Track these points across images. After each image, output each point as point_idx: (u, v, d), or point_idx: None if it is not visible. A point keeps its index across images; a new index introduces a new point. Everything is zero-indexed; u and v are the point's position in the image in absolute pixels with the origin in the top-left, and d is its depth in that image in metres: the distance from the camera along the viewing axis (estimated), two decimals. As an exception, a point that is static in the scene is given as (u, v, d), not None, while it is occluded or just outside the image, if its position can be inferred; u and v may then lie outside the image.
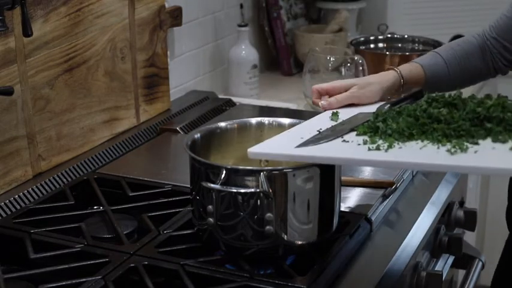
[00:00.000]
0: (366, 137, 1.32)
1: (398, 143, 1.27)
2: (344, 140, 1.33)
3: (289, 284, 1.27)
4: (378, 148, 1.26)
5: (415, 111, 1.36)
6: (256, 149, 1.31)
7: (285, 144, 1.34)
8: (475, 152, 1.21)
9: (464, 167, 1.21)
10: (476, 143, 1.23)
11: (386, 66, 1.65)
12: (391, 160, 1.23)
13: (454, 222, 1.85)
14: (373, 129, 1.34)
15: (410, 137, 1.29)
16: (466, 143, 1.23)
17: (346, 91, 1.55)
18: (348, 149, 1.29)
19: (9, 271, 1.34)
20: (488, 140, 1.25)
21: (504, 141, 1.24)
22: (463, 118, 1.30)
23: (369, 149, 1.26)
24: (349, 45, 2.62)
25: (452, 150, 1.21)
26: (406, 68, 1.61)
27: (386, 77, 1.58)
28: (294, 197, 1.29)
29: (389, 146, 1.25)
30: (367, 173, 1.70)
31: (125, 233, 1.46)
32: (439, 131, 1.28)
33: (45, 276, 1.31)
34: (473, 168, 1.21)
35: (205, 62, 2.44)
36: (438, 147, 1.23)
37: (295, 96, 2.47)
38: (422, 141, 1.27)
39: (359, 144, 1.30)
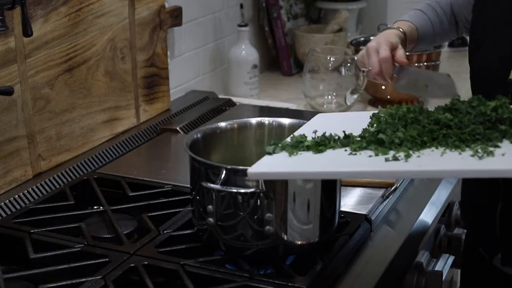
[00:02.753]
0: (372, 149, 1.24)
1: (413, 152, 1.22)
2: (351, 153, 1.24)
3: (289, 284, 1.27)
4: (396, 158, 1.20)
5: (417, 118, 1.31)
6: (257, 169, 1.22)
7: (285, 160, 1.26)
8: (503, 154, 1.18)
9: (502, 171, 1.18)
10: (497, 146, 1.20)
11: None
12: (419, 170, 1.16)
13: (454, 222, 1.85)
14: (374, 142, 1.25)
15: (422, 145, 1.24)
16: (488, 147, 1.20)
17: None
18: (361, 161, 1.21)
19: (9, 271, 1.34)
20: (506, 142, 1.23)
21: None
22: (473, 122, 1.27)
23: (387, 160, 1.19)
24: (349, 45, 2.61)
25: (479, 154, 1.18)
26: (406, 29, 1.61)
27: (398, 35, 1.58)
28: (294, 197, 1.29)
29: (407, 156, 1.20)
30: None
31: (125, 233, 1.46)
32: (454, 137, 1.23)
33: (45, 276, 1.31)
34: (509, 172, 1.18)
35: (205, 62, 2.44)
36: (460, 153, 1.19)
37: (295, 96, 2.47)
38: (436, 148, 1.22)
39: (370, 156, 1.22)
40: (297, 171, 1.24)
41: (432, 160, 1.19)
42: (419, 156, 1.19)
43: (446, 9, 1.69)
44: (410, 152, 1.21)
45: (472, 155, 1.17)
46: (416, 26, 1.62)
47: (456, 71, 1.97)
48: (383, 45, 1.49)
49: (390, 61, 1.48)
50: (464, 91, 1.78)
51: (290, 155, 1.25)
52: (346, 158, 1.22)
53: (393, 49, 1.51)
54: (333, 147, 1.26)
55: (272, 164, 1.25)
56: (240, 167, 1.30)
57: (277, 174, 1.24)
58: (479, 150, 1.17)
